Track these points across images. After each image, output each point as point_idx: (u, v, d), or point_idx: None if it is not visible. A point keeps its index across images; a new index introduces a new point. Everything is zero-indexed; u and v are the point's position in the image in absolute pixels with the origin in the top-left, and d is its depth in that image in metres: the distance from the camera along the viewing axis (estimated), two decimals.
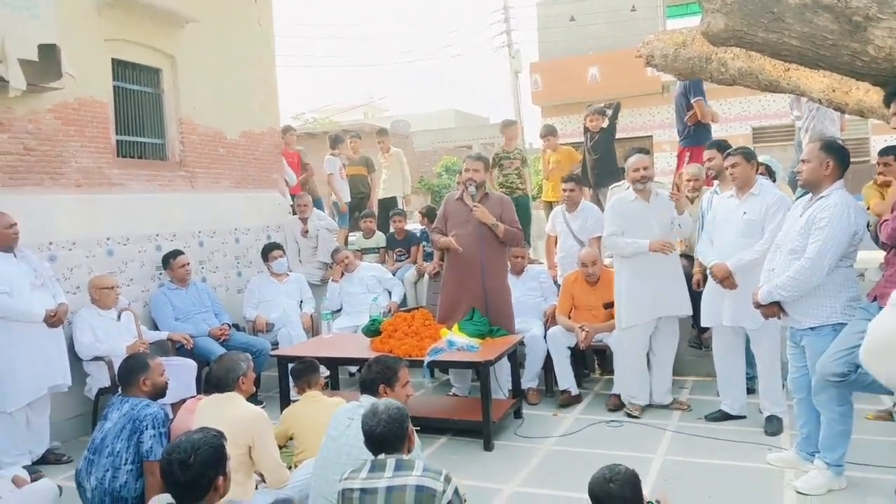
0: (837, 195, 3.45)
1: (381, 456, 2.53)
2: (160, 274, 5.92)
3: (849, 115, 4.92)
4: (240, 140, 7.08)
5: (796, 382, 3.72)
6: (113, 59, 5.80)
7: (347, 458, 2.91)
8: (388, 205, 8.55)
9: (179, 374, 4.81)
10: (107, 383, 4.83)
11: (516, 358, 5.04)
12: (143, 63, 6.13)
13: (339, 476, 2.84)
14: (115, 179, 5.70)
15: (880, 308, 3.10)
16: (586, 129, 7.45)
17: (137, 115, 6.13)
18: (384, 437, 2.53)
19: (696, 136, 6.62)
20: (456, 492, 2.44)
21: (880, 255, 5.14)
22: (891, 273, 3.07)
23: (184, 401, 4.93)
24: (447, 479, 2.42)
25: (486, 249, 5.06)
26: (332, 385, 5.68)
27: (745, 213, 4.44)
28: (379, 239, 7.53)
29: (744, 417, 4.63)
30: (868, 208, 5.25)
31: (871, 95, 3.86)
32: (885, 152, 5.25)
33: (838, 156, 3.49)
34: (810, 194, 3.61)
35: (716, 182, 5.09)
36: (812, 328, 3.53)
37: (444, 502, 2.37)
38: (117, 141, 5.86)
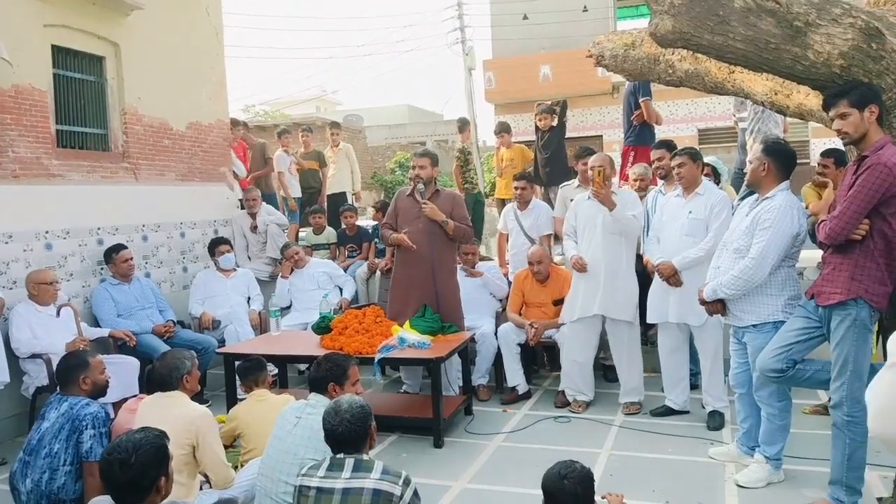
0: (782, 196, 3.53)
1: (340, 455, 2.50)
2: (102, 269, 5.75)
3: (790, 118, 5.08)
4: (187, 132, 6.91)
5: (738, 378, 3.82)
6: (53, 46, 5.59)
7: (293, 458, 2.87)
8: (337, 200, 8.48)
9: (121, 372, 4.67)
10: (45, 382, 4.66)
11: (467, 355, 5.06)
12: (86, 51, 5.93)
13: (285, 477, 2.81)
14: (54, 170, 5.50)
15: (817, 306, 3.21)
16: (537, 128, 7.52)
17: (79, 104, 5.92)
18: (345, 436, 2.49)
19: (640, 135, 6.76)
20: (415, 493, 2.42)
21: (818, 254, 5.33)
22: (828, 272, 3.17)
23: (126, 400, 4.82)
24: (406, 482, 2.40)
25: (436, 246, 5.04)
26: (281, 383, 5.60)
27: (690, 212, 4.54)
28: (329, 235, 7.45)
29: (687, 412, 4.75)
30: (807, 207, 5.44)
31: (811, 99, 3.98)
32: (826, 154, 5.43)
33: (778, 157, 3.56)
34: (756, 195, 3.70)
35: (661, 181, 5.20)
36: (754, 325, 3.61)
37: None
38: (57, 131, 5.66)
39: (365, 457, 2.48)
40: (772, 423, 3.61)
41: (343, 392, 3.06)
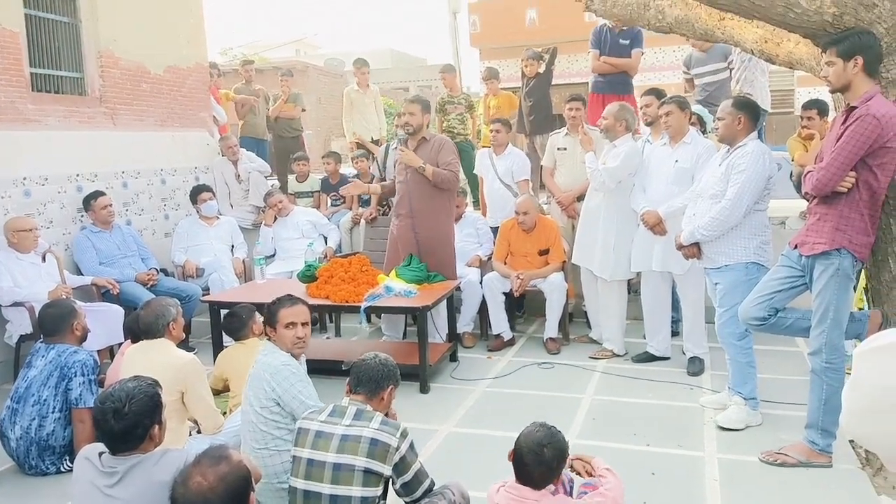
0: (753, 144, 3.73)
1: (345, 402, 2.54)
2: (81, 216, 5.66)
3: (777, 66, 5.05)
4: (165, 76, 6.74)
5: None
6: None
7: (247, 402, 2.95)
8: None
9: (106, 320, 4.66)
10: (28, 330, 4.63)
11: (453, 303, 5.10)
12: None
13: (247, 424, 2.91)
14: (30, 115, 5.36)
15: (800, 256, 3.25)
16: (523, 74, 7.41)
17: (53, 46, 5.73)
18: (366, 373, 2.58)
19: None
20: (411, 447, 2.46)
21: (800, 203, 5.40)
22: (812, 222, 3.20)
23: (110, 348, 4.83)
24: (403, 435, 2.44)
25: (416, 195, 5.03)
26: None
27: (676, 161, 4.56)
28: (313, 182, 7.37)
29: (668, 358, 4.84)
30: (793, 160, 5.46)
31: (801, 48, 3.95)
32: (808, 106, 5.44)
33: (749, 111, 3.78)
34: (727, 147, 3.83)
35: (647, 129, 5.17)
36: (726, 265, 3.80)
37: (398, 457, 2.39)
38: (31, 74, 5.49)
39: (368, 407, 2.52)
40: (737, 362, 3.81)
41: (276, 335, 3.03)
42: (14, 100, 5.23)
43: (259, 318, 4.05)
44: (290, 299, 3.13)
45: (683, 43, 6.54)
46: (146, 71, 6.50)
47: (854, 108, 3.03)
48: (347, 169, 7.96)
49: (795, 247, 3.30)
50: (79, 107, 5.87)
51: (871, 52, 3.01)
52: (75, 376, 3.31)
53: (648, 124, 5.12)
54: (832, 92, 3.27)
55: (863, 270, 3.47)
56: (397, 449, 2.40)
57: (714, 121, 5.38)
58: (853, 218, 3.06)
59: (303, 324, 3.05)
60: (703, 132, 5.28)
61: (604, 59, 6.60)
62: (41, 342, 3.50)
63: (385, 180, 5.83)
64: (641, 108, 5.19)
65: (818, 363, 3.20)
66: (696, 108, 5.52)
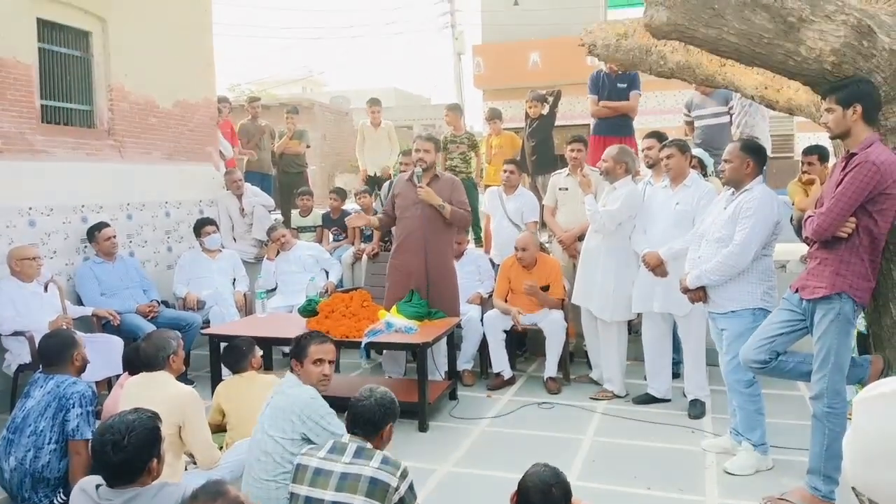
0: (760, 188, 3.72)
1: (345, 438, 2.52)
2: (85, 247, 5.69)
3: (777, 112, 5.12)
4: (173, 110, 6.83)
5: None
6: (38, 19, 5.49)
7: (263, 435, 2.93)
8: (379, 182, 7.94)
9: (105, 351, 4.65)
10: (27, 359, 4.61)
11: (454, 340, 5.08)
12: (72, 25, 5.84)
13: (258, 454, 2.88)
14: (38, 146, 5.43)
15: (801, 300, 3.26)
16: (527, 115, 7.50)
17: (64, 79, 5.83)
18: (363, 416, 2.56)
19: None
20: (410, 487, 2.44)
21: (800, 247, 5.42)
22: (813, 266, 3.22)
23: (109, 379, 4.80)
24: (403, 475, 2.42)
25: (430, 232, 5.04)
26: (266, 365, 5.58)
27: (677, 203, 4.59)
28: (316, 217, 7.42)
29: (669, 401, 4.81)
30: (793, 204, 5.51)
31: (801, 94, 4.01)
32: (808, 151, 5.51)
33: (757, 155, 3.78)
34: (732, 189, 3.83)
35: (649, 171, 5.22)
36: (733, 311, 3.75)
37: (396, 498, 2.37)
38: (42, 106, 5.57)
39: (368, 445, 2.50)
40: (745, 409, 3.75)
41: (302, 369, 3.09)
42: (24, 131, 5.30)
43: (259, 351, 4.06)
44: (321, 336, 3.21)
45: (685, 87, 6.63)
46: (155, 105, 6.60)
47: (854, 154, 3.07)
48: (351, 204, 8.02)
49: (796, 290, 3.31)
50: (87, 139, 5.94)
51: (869, 99, 3.06)
52: (73, 407, 3.28)
53: (650, 166, 5.17)
54: (832, 138, 3.31)
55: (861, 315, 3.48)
56: (396, 489, 2.38)
57: (715, 164, 5.45)
58: (853, 263, 3.08)
59: (329, 362, 3.12)
60: (704, 175, 5.33)
61: (603, 104, 6.72)
62: (40, 372, 3.48)
63: None
64: (643, 151, 5.24)
65: (820, 408, 3.18)
66: (696, 151, 5.58)
